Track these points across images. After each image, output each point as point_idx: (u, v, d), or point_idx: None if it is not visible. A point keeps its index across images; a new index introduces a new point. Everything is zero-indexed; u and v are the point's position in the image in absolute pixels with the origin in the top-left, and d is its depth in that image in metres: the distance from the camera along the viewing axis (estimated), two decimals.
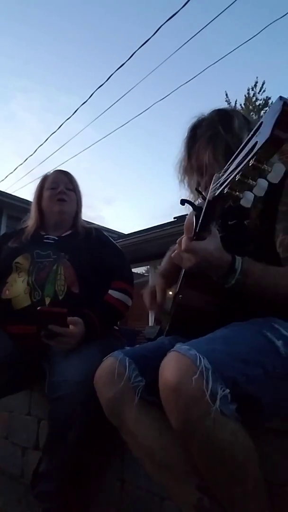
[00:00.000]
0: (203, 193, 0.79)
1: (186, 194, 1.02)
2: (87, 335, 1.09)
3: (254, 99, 12.66)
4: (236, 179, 0.55)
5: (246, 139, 0.58)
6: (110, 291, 1.24)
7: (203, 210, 0.67)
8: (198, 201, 0.99)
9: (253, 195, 0.55)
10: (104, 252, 1.33)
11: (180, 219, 6.39)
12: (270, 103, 12.32)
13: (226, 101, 12.38)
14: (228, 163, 0.63)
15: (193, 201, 0.79)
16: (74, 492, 1.06)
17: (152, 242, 6.43)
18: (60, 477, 1.00)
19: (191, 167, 0.98)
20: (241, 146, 0.59)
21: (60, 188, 1.37)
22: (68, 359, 1.03)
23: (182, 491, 0.70)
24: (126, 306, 1.27)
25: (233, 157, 0.61)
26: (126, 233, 8.17)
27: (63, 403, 0.95)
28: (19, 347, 1.16)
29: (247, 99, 12.70)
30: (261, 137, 0.51)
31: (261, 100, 12.62)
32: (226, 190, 0.57)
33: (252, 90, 12.68)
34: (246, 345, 0.66)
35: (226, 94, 12.60)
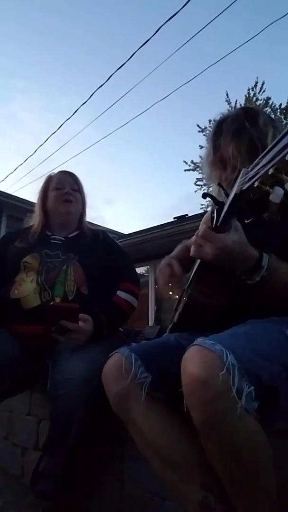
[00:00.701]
0: (225, 188, 0.78)
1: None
2: (94, 334, 1.09)
3: (254, 99, 12.64)
4: (269, 173, 0.54)
5: (281, 135, 0.57)
6: (118, 292, 1.25)
7: (229, 203, 0.65)
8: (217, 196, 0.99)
9: (284, 190, 0.54)
10: (111, 254, 1.34)
11: (180, 219, 6.40)
12: (270, 103, 12.31)
13: (226, 101, 12.37)
14: (259, 158, 0.62)
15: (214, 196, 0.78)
16: (74, 491, 1.07)
17: (152, 242, 6.43)
18: (60, 476, 1.00)
19: (215, 161, 0.99)
20: (274, 142, 0.58)
21: (66, 189, 1.37)
22: (72, 357, 1.04)
23: (187, 488, 0.70)
24: (133, 307, 1.28)
25: (265, 152, 0.60)
26: (126, 233, 8.17)
27: (65, 401, 0.95)
28: (25, 348, 1.15)
29: (247, 99, 12.68)
30: None
31: (261, 100, 12.60)
32: (256, 183, 0.56)
33: (252, 90, 12.66)
34: (268, 343, 0.66)
35: (227, 94, 12.59)
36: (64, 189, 1.37)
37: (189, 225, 5.59)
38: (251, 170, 0.62)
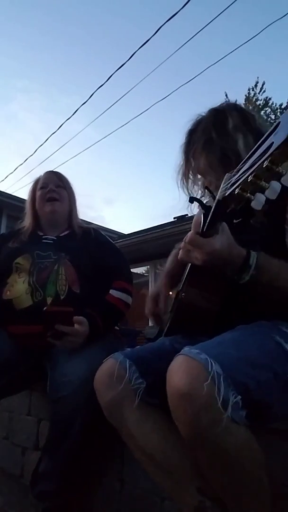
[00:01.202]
0: (213, 192, 0.78)
1: (186, 196, 1.03)
2: (90, 335, 1.09)
3: (254, 99, 12.66)
4: (249, 180, 0.53)
5: (262, 139, 0.56)
6: (111, 291, 1.25)
7: (212, 210, 0.65)
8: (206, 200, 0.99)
9: (265, 197, 0.53)
10: (103, 252, 1.34)
11: (180, 219, 6.40)
12: (270, 103, 12.33)
13: (226, 101, 12.35)
14: (241, 163, 0.61)
15: (201, 200, 0.78)
16: (74, 492, 1.06)
17: (152, 242, 6.43)
18: (60, 477, 1.00)
19: (189, 172, 0.98)
20: (256, 145, 0.57)
21: (49, 187, 1.38)
22: (71, 359, 1.03)
23: (183, 493, 0.69)
24: (127, 304, 1.28)
25: (247, 157, 0.60)
26: (126, 233, 8.17)
27: (65, 403, 0.95)
28: (20, 348, 1.16)
29: (248, 99, 12.70)
30: (277, 138, 0.49)
31: (261, 100, 12.63)
32: (237, 190, 0.55)
33: (253, 90, 12.70)
34: (257, 349, 0.65)
35: (226, 95, 12.59)
36: (47, 187, 1.38)
37: (189, 225, 5.47)
38: (234, 175, 0.62)
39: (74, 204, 1.45)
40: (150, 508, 0.96)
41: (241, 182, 0.54)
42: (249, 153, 0.59)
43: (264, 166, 0.50)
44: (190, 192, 1.01)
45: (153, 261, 6.82)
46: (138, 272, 7.66)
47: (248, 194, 0.54)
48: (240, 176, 0.56)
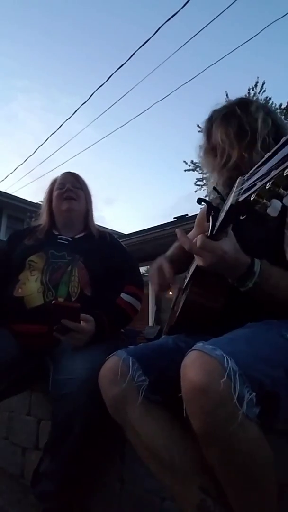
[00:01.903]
0: (220, 191, 0.78)
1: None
2: (96, 334, 1.09)
3: (254, 99, 12.65)
4: (266, 187, 0.51)
5: (281, 142, 0.54)
6: (122, 295, 1.26)
7: (224, 213, 0.65)
8: (211, 197, 0.99)
9: (281, 204, 0.53)
10: (117, 256, 1.35)
11: (180, 219, 6.40)
12: (270, 103, 12.31)
13: (226, 101, 12.34)
14: (256, 167, 0.60)
15: (209, 201, 0.78)
16: (75, 492, 1.06)
17: (152, 242, 6.43)
18: (60, 477, 1.00)
19: (209, 148, 1.00)
20: (272, 150, 0.56)
21: (66, 186, 1.39)
22: (74, 357, 1.03)
23: (185, 491, 0.69)
24: (136, 310, 1.29)
25: (262, 160, 0.58)
26: (126, 233, 8.17)
27: (67, 402, 0.95)
28: (25, 347, 1.16)
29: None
30: None
31: (261, 100, 12.61)
32: (253, 196, 0.54)
33: (253, 90, 12.66)
34: (269, 346, 0.65)
35: (227, 95, 12.55)
36: (64, 187, 1.39)
37: (189, 225, 5.57)
38: (248, 180, 0.61)
39: (91, 205, 1.46)
40: (150, 508, 0.96)
41: (257, 188, 0.53)
42: (264, 158, 0.58)
43: (285, 174, 0.48)
44: (209, 170, 1.02)
45: (153, 261, 6.81)
46: None
47: (264, 201, 0.53)
48: (255, 182, 0.55)
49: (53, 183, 1.45)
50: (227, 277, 0.73)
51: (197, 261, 0.74)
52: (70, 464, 1.00)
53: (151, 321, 6.65)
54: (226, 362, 0.57)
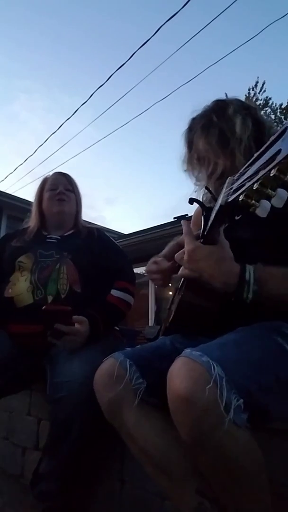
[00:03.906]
0: (212, 192, 0.77)
1: (192, 187, 1.04)
2: (91, 335, 1.09)
3: (254, 99, 12.63)
4: (254, 188, 0.51)
5: (268, 142, 0.54)
6: (112, 291, 1.25)
7: (214, 215, 0.64)
8: (204, 198, 0.99)
9: (270, 205, 0.52)
10: (106, 252, 1.34)
11: (180, 219, 6.39)
12: (270, 103, 12.31)
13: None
14: (245, 167, 0.60)
15: (199, 197, 0.77)
16: (74, 492, 1.06)
17: (152, 242, 6.43)
18: (60, 477, 1.00)
19: (192, 158, 0.99)
20: (261, 150, 0.55)
21: (59, 189, 1.38)
22: (71, 359, 1.03)
23: (182, 494, 0.69)
24: (128, 304, 1.28)
25: (252, 160, 0.58)
26: (126, 233, 8.17)
27: (65, 404, 0.95)
28: (20, 347, 1.16)
29: (248, 99, 12.67)
30: (286, 146, 0.47)
31: (261, 100, 12.60)
32: (241, 197, 0.53)
33: (253, 90, 12.67)
34: (258, 351, 0.64)
35: (226, 95, 12.55)
36: (57, 189, 1.39)
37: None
38: (237, 180, 0.60)
39: (80, 206, 1.46)
40: (150, 508, 0.96)
41: (245, 189, 0.53)
42: (253, 158, 0.57)
43: (271, 175, 0.48)
44: (196, 179, 1.02)
45: None
46: (138, 272, 7.65)
47: (253, 201, 0.52)
48: (244, 182, 0.55)
49: (44, 183, 1.44)
50: (222, 292, 0.68)
51: (184, 270, 0.71)
52: (70, 464, 1.00)
53: (151, 321, 6.64)
54: (212, 369, 0.56)
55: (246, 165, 0.59)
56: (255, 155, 0.56)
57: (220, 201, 0.62)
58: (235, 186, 0.59)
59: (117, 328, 1.35)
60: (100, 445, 1.09)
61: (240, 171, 0.61)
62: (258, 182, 0.50)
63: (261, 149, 0.55)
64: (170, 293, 1.08)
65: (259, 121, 0.91)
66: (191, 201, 0.75)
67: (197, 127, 0.94)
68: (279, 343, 0.67)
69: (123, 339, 1.32)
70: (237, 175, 0.62)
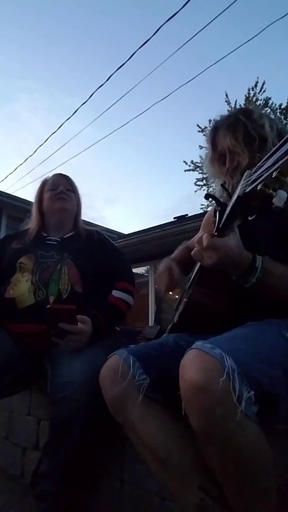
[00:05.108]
0: (228, 189, 0.79)
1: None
2: (93, 334, 1.10)
3: (254, 99, 12.63)
4: (273, 176, 0.53)
5: (286, 137, 0.56)
6: (113, 291, 1.27)
7: (231, 205, 0.65)
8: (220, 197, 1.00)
9: (287, 194, 0.54)
10: (106, 253, 1.35)
11: (180, 219, 6.39)
12: (270, 103, 12.30)
13: (226, 101, 12.34)
14: (262, 160, 0.61)
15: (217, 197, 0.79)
16: (74, 492, 1.06)
17: (152, 243, 6.42)
18: (60, 477, 1.00)
19: (214, 156, 1.01)
20: (278, 144, 0.57)
21: (60, 188, 1.39)
22: (72, 360, 1.03)
23: (184, 490, 0.69)
24: (129, 305, 1.29)
25: (269, 154, 0.59)
26: (126, 233, 8.17)
27: (66, 404, 0.95)
28: (21, 347, 1.16)
29: (248, 99, 12.67)
30: None
31: (261, 100, 12.59)
32: (259, 186, 0.55)
33: (253, 90, 12.64)
34: (268, 346, 0.65)
35: (226, 95, 12.57)
36: (58, 189, 1.40)
37: (189, 225, 5.59)
38: (255, 172, 0.62)
39: (80, 208, 1.47)
40: (150, 508, 0.96)
41: (264, 178, 0.54)
42: (270, 152, 0.59)
43: None
44: (215, 178, 1.04)
45: (153, 261, 6.81)
46: (138, 272, 7.66)
47: (271, 190, 0.54)
48: (262, 173, 0.56)
49: (44, 184, 1.46)
50: (231, 274, 0.74)
51: (204, 261, 0.74)
52: (70, 464, 1.00)
53: (151, 321, 6.64)
54: (225, 361, 0.58)
55: (264, 158, 0.61)
56: (273, 149, 0.58)
57: (237, 192, 0.64)
58: (253, 177, 0.60)
59: (118, 328, 1.35)
60: (100, 445, 1.09)
61: (258, 164, 0.63)
62: (277, 171, 0.52)
63: (279, 143, 0.57)
64: (177, 296, 1.09)
65: (281, 128, 0.95)
66: (207, 196, 0.77)
67: (223, 126, 0.97)
68: (287, 339, 0.68)
69: (123, 339, 1.32)
70: (255, 168, 0.63)
